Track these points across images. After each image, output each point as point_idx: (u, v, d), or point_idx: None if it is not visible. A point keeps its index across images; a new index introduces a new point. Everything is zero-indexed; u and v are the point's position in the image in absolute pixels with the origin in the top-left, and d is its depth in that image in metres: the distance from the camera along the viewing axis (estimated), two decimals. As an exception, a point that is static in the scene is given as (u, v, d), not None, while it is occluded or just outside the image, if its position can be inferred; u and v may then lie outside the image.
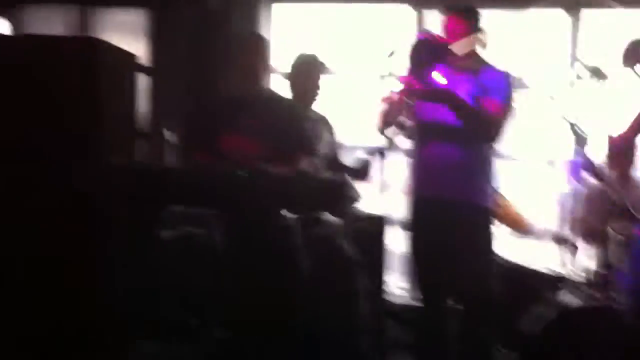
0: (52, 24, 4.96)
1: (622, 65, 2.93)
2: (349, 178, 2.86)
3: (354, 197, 2.53)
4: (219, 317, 3.46)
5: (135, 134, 2.98)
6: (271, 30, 4.91)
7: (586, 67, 3.04)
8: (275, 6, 4.99)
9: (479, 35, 3.10)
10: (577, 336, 3.07)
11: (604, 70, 2.89)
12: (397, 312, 3.95)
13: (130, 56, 2.72)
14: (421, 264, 3.18)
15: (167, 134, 4.08)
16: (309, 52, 3.77)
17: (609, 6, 4.38)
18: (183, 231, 3.96)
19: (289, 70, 3.70)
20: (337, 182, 2.51)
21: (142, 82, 4.11)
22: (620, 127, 3.60)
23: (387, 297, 3.98)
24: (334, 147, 3.72)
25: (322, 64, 3.70)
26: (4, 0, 4.81)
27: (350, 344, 3.49)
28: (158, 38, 4.91)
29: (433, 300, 3.16)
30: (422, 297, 3.20)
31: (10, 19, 4.96)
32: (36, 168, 2.42)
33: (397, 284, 4.88)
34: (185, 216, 3.97)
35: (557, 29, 4.70)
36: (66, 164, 2.41)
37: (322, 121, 3.69)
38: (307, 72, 3.64)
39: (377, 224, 4.09)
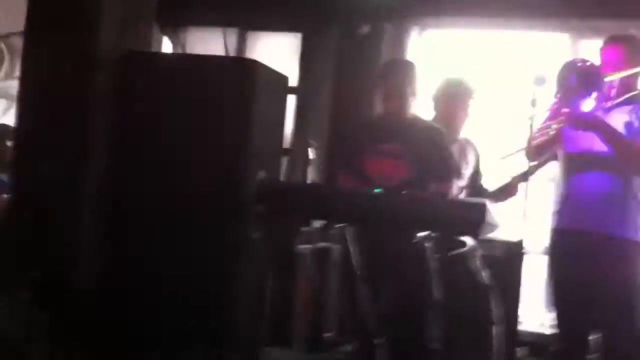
0: (212, 45, 5.28)
1: None
2: (490, 203, 2.83)
3: (494, 223, 2.51)
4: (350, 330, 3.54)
5: (282, 152, 3.11)
6: (421, 56, 4.97)
7: None
8: (426, 33, 5.05)
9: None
10: None
11: None
12: (531, 341, 3.85)
13: (282, 78, 2.86)
14: (564, 296, 3.09)
15: (312, 153, 4.24)
16: (457, 76, 3.79)
17: None
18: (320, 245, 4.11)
19: (435, 94, 3.73)
20: (478, 207, 2.50)
21: (291, 102, 4.33)
22: None
23: (521, 325, 3.91)
24: (479, 171, 3.71)
25: (469, 88, 3.69)
26: (169, 23, 5.19)
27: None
28: (309, 61, 5.11)
29: (573, 332, 3.06)
30: (561, 328, 3.10)
31: (174, 40, 5.37)
32: (188, 179, 2.59)
33: (533, 313, 4.76)
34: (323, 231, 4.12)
35: None
36: (218, 177, 2.56)
37: (469, 145, 3.68)
38: (453, 96, 3.65)
39: (515, 250, 4.04)
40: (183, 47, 5.33)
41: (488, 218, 2.45)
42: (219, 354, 2.49)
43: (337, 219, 3.17)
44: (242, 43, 5.33)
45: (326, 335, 4.18)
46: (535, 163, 3.23)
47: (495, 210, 2.44)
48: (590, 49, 4.20)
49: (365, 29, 4.85)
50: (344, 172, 3.32)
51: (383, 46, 4.85)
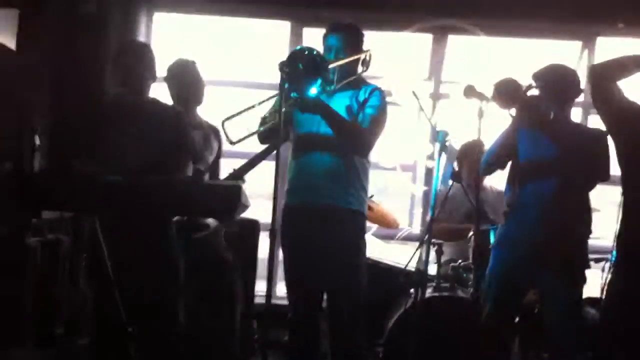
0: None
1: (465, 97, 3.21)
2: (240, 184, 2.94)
3: (247, 204, 2.62)
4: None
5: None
6: (152, 38, 4.92)
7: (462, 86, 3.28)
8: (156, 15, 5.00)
9: (362, 54, 3.27)
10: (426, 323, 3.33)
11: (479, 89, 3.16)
12: (262, 313, 4.08)
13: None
14: (294, 267, 3.30)
15: (37, 139, 3.98)
16: (187, 59, 3.77)
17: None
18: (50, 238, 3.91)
19: (166, 75, 3.70)
20: (234, 189, 2.59)
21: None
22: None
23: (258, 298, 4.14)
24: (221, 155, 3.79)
25: (196, 69, 3.69)
26: None
27: (227, 345, 3.59)
28: (27, 39, 4.76)
29: (303, 301, 3.29)
30: (291, 295, 3.32)
31: None
32: None
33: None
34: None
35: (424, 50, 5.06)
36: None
37: (212, 129, 3.72)
38: (182, 76, 3.65)
39: (251, 228, 4.24)
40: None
41: (243, 199, 2.56)
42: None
43: (73, 207, 3.04)
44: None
45: (59, 330, 4.00)
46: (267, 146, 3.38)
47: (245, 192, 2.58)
48: (313, 37, 4.53)
49: (90, 7, 4.64)
50: (82, 157, 3.16)
51: (111, 27, 4.70)
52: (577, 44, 4.95)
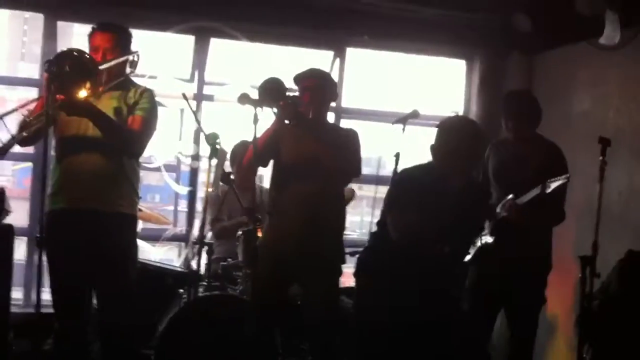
0: None
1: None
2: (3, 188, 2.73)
3: (8, 209, 2.45)
4: None
5: None
6: None
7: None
8: None
9: (130, 55, 3.23)
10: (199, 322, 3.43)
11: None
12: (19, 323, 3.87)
13: None
14: (61, 273, 3.16)
15: None
16: None
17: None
18: None
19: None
20: None
21: None
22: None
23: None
24: None
25: None
26: None
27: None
28: None
29: (70, 307, 3.18)
30: (59, 305, 3.20)
31: None
32: None
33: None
34: None
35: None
36: None
37: None
38: None
39: (4, 233, 3.97)
40: None
41: (7, 206, 2.40)
42: None
43: None
44: None
45: None
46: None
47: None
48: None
49: None
50: None
51: None
52: (330, 53, 5.32)
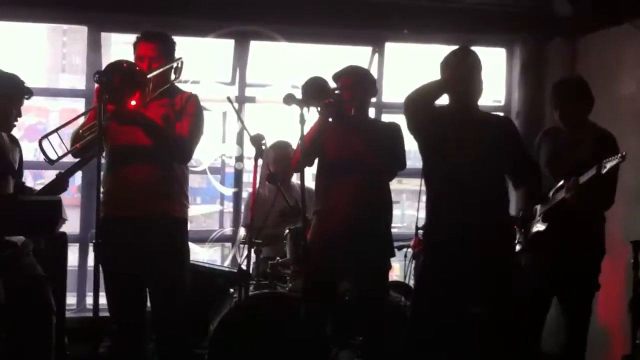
0: None
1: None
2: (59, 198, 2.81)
3: (66, 217, 2.53)
4: None
5: None
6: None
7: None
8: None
9: (173, 62, 3.29)
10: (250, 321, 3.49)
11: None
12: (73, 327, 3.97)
13: None
14: (119, 276, 3.24)
15: None
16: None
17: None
18: None
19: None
20: (54, 204, 2.49)
21: None
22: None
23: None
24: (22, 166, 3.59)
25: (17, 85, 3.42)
26: None
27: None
28: None
29: (127, 311, 3.26)
30: (115, 308, 3.27)
31: None
32: None
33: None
34: None
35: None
36: None
37: (13, 141, 3.52)
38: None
39: (59, 241, 4.09)
40: None
41: (63, 214, 2.48)
42: None
43: None
44: None
45: None
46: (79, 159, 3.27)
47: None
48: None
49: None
50: None
51: None
52: (368, 49, 5.33)
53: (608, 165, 3.22)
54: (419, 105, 3.21)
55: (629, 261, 3.22)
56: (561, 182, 3.44)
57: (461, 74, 3.19)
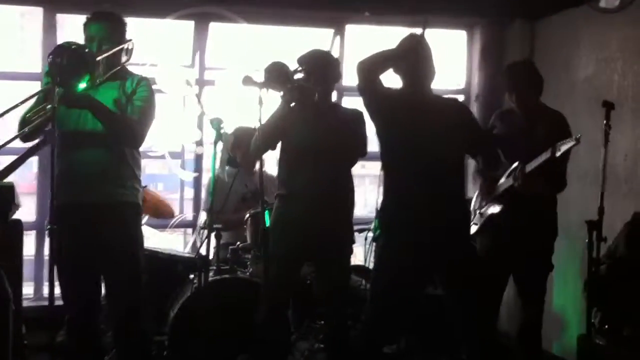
0: None
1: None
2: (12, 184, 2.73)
3: (19, 204, 2.47)
4: None
5: None
6: None
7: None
8: None
9: (125, 44, 3.21)
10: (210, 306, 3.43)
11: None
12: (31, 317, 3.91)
13: None
14: (71, 265, 3.18)
15: None
16: None
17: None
18: None
19: None
20: (6, 189, 2.42)
21: None
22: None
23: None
24: None
25: None
26: None
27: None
28: None
29: (81, 299, 3.20)
30: (70, 297, 3.22)
31: None
32: None
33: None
34: None
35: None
36: None
37: None
38: None
39: (14, 228, 4.00)
40: None
41: (17, 200, 2.42)
42: None
43: None
44: None
45: None
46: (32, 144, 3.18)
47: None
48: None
49: None
50: None
51: None
52: (329, 31, 5.29)
53: (562, 148, 3.25)
54: (366, 65, 3.15)
55: (584, 242, 3.26)
56: (514, 165, 3.47)
57: (416, 57, 3.18)
